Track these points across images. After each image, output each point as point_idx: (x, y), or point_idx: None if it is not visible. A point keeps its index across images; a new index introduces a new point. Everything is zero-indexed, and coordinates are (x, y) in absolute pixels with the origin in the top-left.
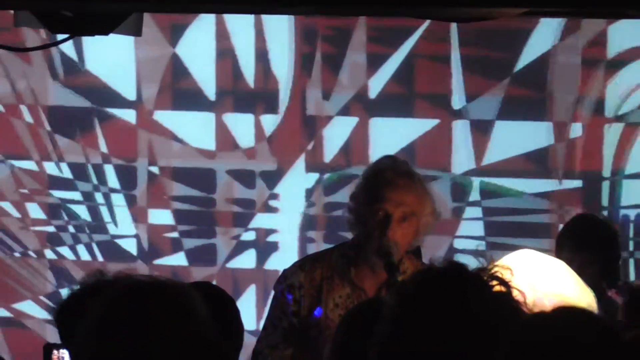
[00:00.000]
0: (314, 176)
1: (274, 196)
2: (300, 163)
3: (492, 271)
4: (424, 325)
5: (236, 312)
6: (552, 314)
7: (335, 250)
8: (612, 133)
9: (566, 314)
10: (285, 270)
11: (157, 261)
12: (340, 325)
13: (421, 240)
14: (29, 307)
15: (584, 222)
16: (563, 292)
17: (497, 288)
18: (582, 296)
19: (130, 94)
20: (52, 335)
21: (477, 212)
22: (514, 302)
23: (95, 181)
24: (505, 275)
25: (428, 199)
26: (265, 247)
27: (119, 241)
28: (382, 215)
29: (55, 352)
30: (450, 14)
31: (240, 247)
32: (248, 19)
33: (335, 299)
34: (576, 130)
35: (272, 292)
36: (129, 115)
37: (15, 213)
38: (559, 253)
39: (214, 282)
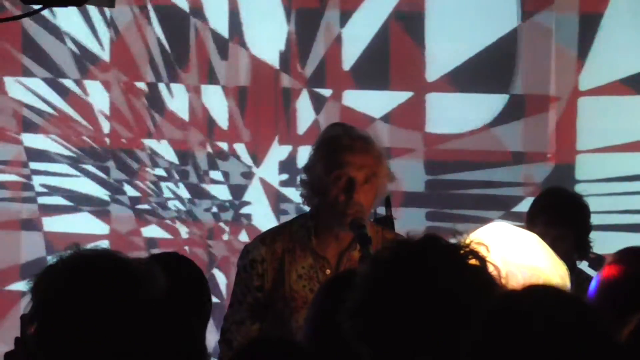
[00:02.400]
0: (287, 149)
1: (247, 168)
2: (274, 135)
3: (469, 246)
4: (397, 294)
5: (203, 281)
6: (526, 291)
7: (295, 221)
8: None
9: (542, 291)
10: (247, 246)
11: (130, 233)
12: (315, 296)
13: (389, 207)
14: None
15: (555, 197)
16: (535, 265)
17: (473, 262)
18: (555, 268)
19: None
20: None
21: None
22: (488, 276)
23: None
24: (481, 250)
25: (384, 159)
26: (238, 219)
27: (91, 214)
28: (345, 180)
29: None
30: None
31: (214, 220)
32: None
33: (298, 270)
34: (549, 102)
35: (236, 268)
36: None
37: None
38: (531, 228)
39: (187, 254)
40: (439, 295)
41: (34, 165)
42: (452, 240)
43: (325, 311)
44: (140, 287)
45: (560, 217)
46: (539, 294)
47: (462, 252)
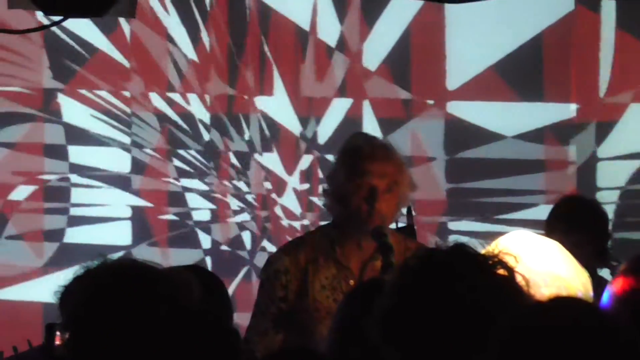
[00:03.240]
0: (309, 158)
1: (269, 178)
2: (296, 144)
3: (498, 256)
4: (425, 301)
5: (225, 295)
6: (551, 303)
7: (318, 232)
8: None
9: (565, 304)
10: (270, 257)
11: (151, 243)
12: (339, 307)
13: (411, 217)
14: None
15: (573, 204)
16: (558, 273)
17: (501, 272)
18: (577, 276)
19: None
20: None
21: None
22: (516, 287)
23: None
24: (510, 261)
25: (406, 168)
26: (260, 229)
27: (114, 223)
28: (367, 189)
29: (58, 332)
30: None
31: (235, 229)
32: None
33: (322, 281)
34: (570, 110)
35: (259, 279)
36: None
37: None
38: (549, 236)
39: (209, 265)
40: (467, 304)
41: (73, 178)
42: (481, 250)
43: (348, 322)
44: (170, 296)
45: (577, 224)
46: (565, 308)
47: (491, 262)
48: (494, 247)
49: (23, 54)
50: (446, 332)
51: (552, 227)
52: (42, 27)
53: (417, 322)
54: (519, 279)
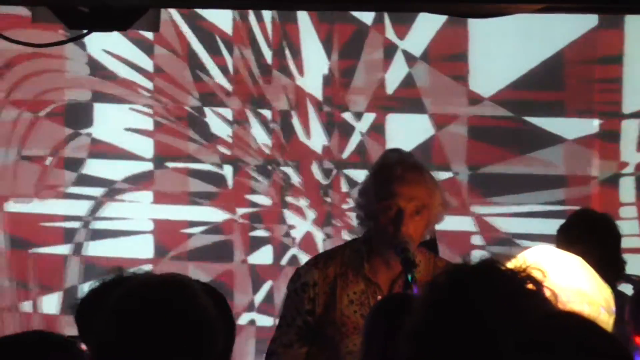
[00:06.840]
0: (331, 172)
1: (291, 192)
2: (317, 158)
3: (526, 270)
4: (457, 316)
5: (227, 310)
6: (561, 318)
7: (348, 246)
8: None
9: (573, 321)
10: (298, 269)
11: (173, 257)
12: (366, 320)
13: (433, 232)
14: None
15: (584, 220)
16: (581, 288)
17: (530, 287)
18: (600, 291)
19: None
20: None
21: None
22: (546, 302)
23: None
24: (538, 275)
25: (437, 190)
26: (282, 243)
27: (135, 237)
28: (394, 211)
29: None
30: (467, 9)
31: (257, 243)
32: (265, 15)
33: (350, 295)
34: (593, 126)
35: (286, 291)
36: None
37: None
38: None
39: (232, 279)
40: (499, 319)
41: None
42: (508, 265)
43: (370, 335)
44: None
45: (588, 239)
46: (571, 325)
47: (519, 277)
48: (521, 261)
49: None
50: (479, 348)
51: (558, 242)
52: (64, 42)
53: (450, 338)
54: (547, 293)
